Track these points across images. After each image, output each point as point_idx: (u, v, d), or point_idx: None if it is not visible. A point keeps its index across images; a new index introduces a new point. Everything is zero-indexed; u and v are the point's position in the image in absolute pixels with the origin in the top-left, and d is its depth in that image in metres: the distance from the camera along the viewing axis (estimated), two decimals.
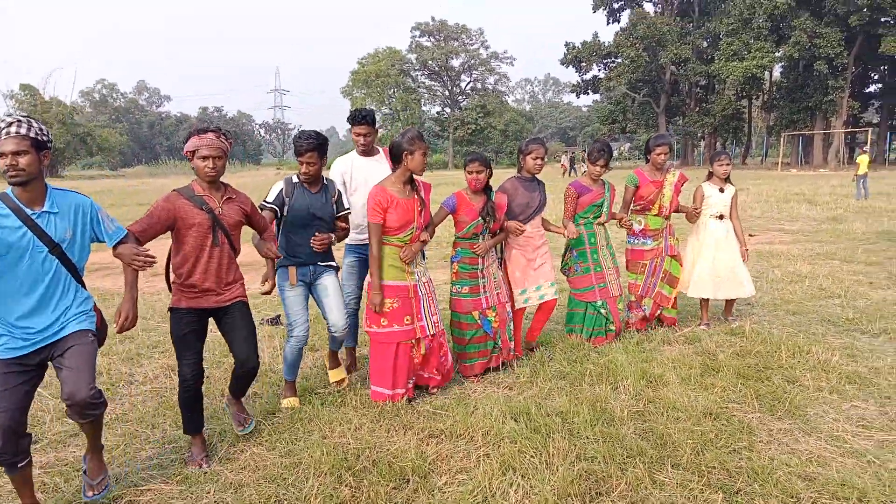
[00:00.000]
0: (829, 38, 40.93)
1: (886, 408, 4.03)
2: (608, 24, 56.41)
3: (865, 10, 39.69)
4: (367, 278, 4.32)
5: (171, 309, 3.50)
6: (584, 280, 5.33)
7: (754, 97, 54.08)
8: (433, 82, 73.35)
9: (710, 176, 5.81)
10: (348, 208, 4.43)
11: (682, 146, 56.81)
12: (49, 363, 2.96)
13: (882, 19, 41.27)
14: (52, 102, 60.36)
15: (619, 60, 54.11)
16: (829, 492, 3.06)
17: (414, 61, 70.31)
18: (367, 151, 4.77)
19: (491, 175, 4.57)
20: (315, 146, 4.09)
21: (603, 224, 5.44)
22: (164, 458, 3.62)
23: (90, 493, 3.05)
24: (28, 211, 2.80)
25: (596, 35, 56.80)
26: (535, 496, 3.01)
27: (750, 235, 12.00)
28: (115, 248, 3.11)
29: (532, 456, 3.39)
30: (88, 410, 2.84)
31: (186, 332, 3.49)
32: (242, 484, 3.29)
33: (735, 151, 61.01)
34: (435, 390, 4.44)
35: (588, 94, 61.92)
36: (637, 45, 50.40)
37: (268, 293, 3.97)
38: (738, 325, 5.73)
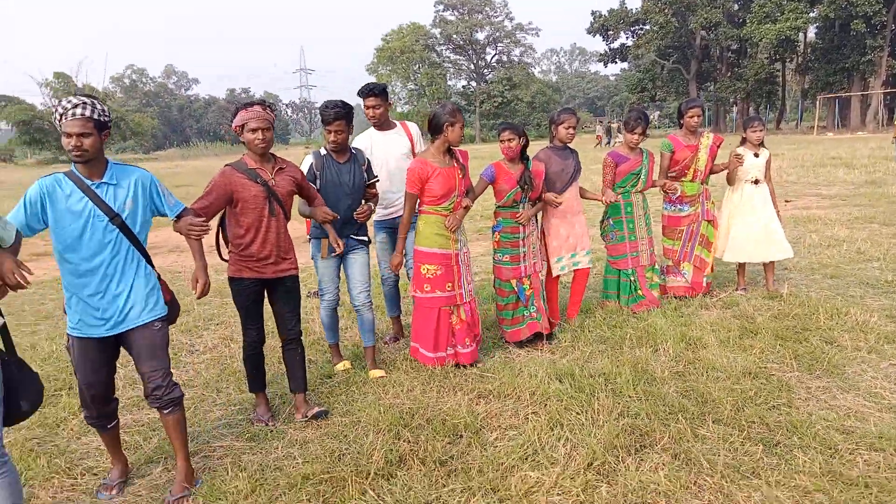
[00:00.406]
0: None
1: None
2: None
3: None
4: (412, 247, 4.52)
5: (232, 279, 3.71)
6: (619, 248, 5.46)
7: (788, 60, 52.57)
8: (458, 56, 72.71)
9: (744, 141, 5.81)
10: (377, 177, 4.53)
11: (713, 112, 55.68)
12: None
13: None
14: (86, 89, 61.51)
15: (648, 27, 53.01)
16: (866, 444, 3.18)
17: (438, 36, 69.73)
18: (382, 125, 4.84)
19: (527, 144, 4.70)
20: (343, 114, 4.19)
21: (641, 192, 5.50)
22: (232, 419, 3.88)
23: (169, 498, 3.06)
24: (88, 182, 2.93)
25: (623, 2, 55.64)
26: (583, 449, 3.19)
27: (786, 201, 11.90)
28: (175, 221, 3.24)
29: (578, 413, 3.57)
30: (165, 396, 3.03)
31: (249, 302, 3.73)
32: (307, 440, 3.53)
33: (769, 116, 59.60)
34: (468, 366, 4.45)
35: (616, 62, 60.96)
36: (666, 11, 49.26)
37: (337, 254, 4.20)
38: (775, 290, 5.80)
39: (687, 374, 4.08)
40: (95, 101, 2.90)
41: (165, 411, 3.07)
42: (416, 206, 4.39)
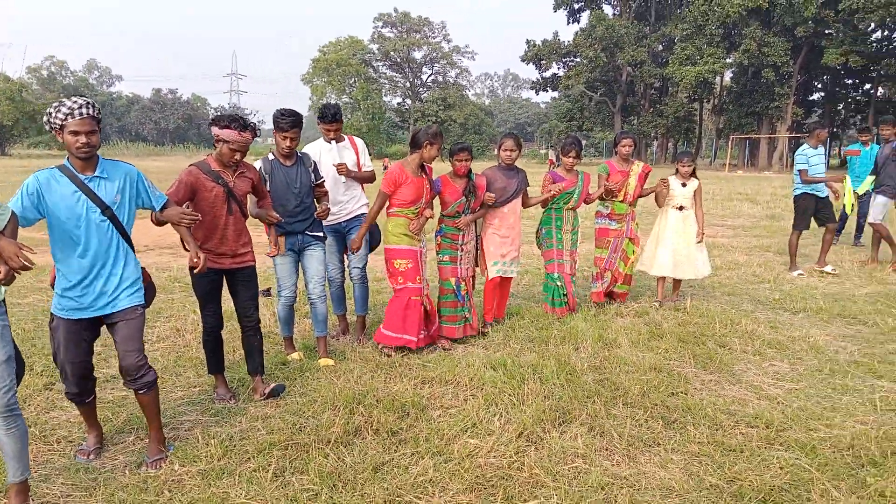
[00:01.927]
0: (777, 47, 43.04)
1: (797, 366, 4.89)
2: (568, 23, 57.86)
3: (810, 22, 41.81)
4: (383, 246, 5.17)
5: (192, 268, 3.83)
6: (549, 254, 6.10)
7: (705, 100, 56.20)
8: (395, 73, 73.67)
9: (677, 171, 6.62)
10: (323, 177, 4.91)
11: (636, 145, 58.60)
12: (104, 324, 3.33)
13: (826, 31, 43.58)
14: (0, 78, 58.41)
15: (578, 60, 55.50)
16: (745, 422, 3.86)
17: (376, 51, 70.50)
18: (335, 139, 5.27)
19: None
20: (298, 122, 4.58)
21: (573, 209, 6.09)
22: (194, 398, 4.20)
23: (143, 468, 3.31)
24: (81, 176, 3.13)
25: (556, 34, 58.10)
26: (514, 422, 3.72)
27: None
28: (161, 211, 3.51)
29: (510, 396, 4.10)
30: (139, 378, 3.27)
31: (208, 288, 4.08)
32: (268, 416, 3.90)
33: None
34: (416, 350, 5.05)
35: (547, 91, 63.22)
36: (595, 46, 51.82)
37: (275, 255, 4.61)
38: (680, 303, 6.57)
39: (602, 368, 4.70)
40: (93, 101, 3.16)
41: (140, 392, 3.32)
42: (385, 206, 4.97)
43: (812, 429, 3.77)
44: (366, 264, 5.46)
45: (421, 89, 73.67)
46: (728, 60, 47.79)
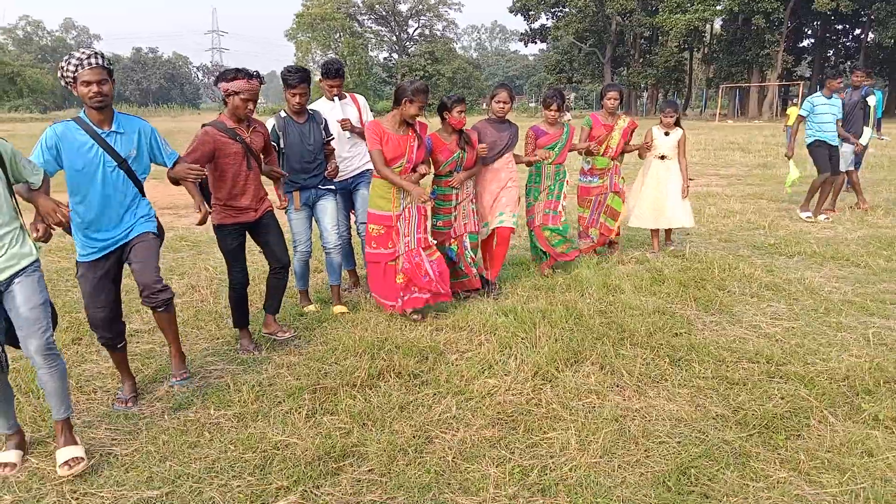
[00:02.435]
0: None
1: (793, 306, 5.10)
2: None
3: None
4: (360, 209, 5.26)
5: (217, 226, 4.16)
6: (530, 210, 6.00)
7: (695, 50, 55.68)
8: (380, 27, 72.30)
9: (661, 121, 6.62)
10: (332, 136, 4.99)
11: (626, 96, 58.21)
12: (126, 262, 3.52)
13: None
14: None
15: (567, 10, 54.65)
16: (746, 357, 4.07)
17: (360, 5, 68.96)
18: (337, 95, 5.26)
19: None
20: (306, 78, 4.65)
21: (555, 164, 5.84)
22: (219, 349, 4.36)
23: (173, 380, 3.75)
24: (98, 130, 3.26)
25: None
26: (529, 363, 3.91)
27: (690, 179, 13.15)
28: (172, 167, 3.64)
29: (522, 339, 4.29)
30: (156, 294, 3.45)
31: (234, 245, 4.22)
32: (293, 364, 4.07)
33: (676, 102, 62.93)
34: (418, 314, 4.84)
35: (536, 42, 62.44)
36: None
37: (285, 208, 4.72)
38: (678, 249, 6.75)
39: (608, 312, 4.89)
40: (102, 52, 3.22)
41: (159, 309, 3.54)
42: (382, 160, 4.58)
43: (809, 363, 3.98)
44: (347, 229, 5.47)
45: (408, 43, 72.46)
46: (718, 8, 47.16)
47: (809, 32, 53.86)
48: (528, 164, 5.85)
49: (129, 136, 3.37)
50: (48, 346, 2.89)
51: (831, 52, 52.71)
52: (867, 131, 9.00)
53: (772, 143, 21.38)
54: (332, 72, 5.13)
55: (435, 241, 5.05)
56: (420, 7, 70.69)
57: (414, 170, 4.71)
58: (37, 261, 2.94)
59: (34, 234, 2.94)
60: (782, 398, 3.52)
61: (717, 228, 8.05)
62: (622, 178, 6.58)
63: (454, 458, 3.00)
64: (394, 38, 72.34)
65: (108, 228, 3.39)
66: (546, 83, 64.59)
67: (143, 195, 3.54)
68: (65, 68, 3.13)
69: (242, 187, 4.11)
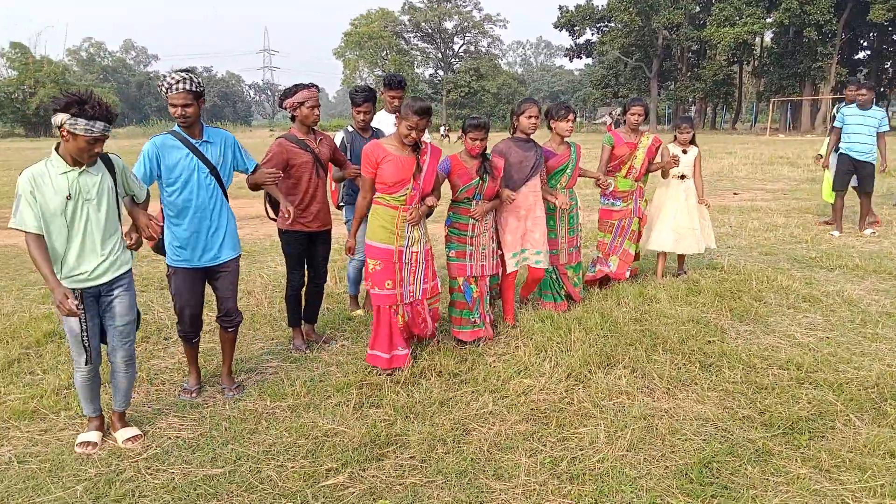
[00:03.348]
0: (819, 5, 41.64)
1: (830, 317, 5.15)
2: None
3: None
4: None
5: (284, 231, 4.46)
6: (551, 245, 5.21)
7: (745, 63, 54.81)
8: (426, 44, 73.46)
9: (676, 138, 6.22)
10: None
11: (673, 110, 57.62)
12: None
13: None
14: (43, 61, 60.13)
15: (613, 25, 54.56)
16: (777, 365, 4.18)
17: (407, 23, 70.30)
18: (394, 110, 5.40)
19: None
20: (371, 97, 5.01)
21: (570, 189, 5.28)
22: (273, 349, 4.69)
23: (229, 393, 3.93)
24: (192, 140, 3.63)
25: None
26: (563, 365, 4.11)
27: (734, 193, 13.12)
28: (252, 173, 3.97)
29: (558, 343, 4.48)
30: (233, 319, 3.93)
31: (299, 250, 4.55)
32: (341, 362, 4.37)
33: (725, 117, 61.96)
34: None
35: (581, 58, 62.46)
36: (630, 10, 50.83)
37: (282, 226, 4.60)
38: (685, 276, 6.81)
39: (643, 320, 5.04)
40: (192, 76, 3.56)
41: (229, 330, 3.97)
42: (373, 192, 4.13)
43: (840, 371, 4.07)
44: None
45: (453, 60, 73.34)
46: (768, 20, 46.43)
47: (865, 43, 52.43)
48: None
49: (216, 146, 3.74)
50: (131, 356, 3.40)
51: (889, 63, 51.17)
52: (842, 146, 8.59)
53: None
54: (395, 83, 5.34)
55: (453, 276, 4.62)
56: (465, 24, 71.57)
57: (422, 200, 4.17)
58: (131, 269, 3.35)
59: (128, 242, 3.32)
60: (809, 402, 3.63)
61: (759, 242, 8.08)
62: (646, 201, 6.16)
63: (490, 448, 3.23)
64: (439, 55, 73.36)
65: (200, 247, 3.70)
66: (592, 98, 64.44)
67: (227, 200, 3.88)
68: (161, 87, 3.55)
69: (313, 193, 4.43)
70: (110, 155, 3.23)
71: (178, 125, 3.62)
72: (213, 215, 3.72)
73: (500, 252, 4.93)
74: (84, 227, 3.08)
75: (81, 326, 3.16)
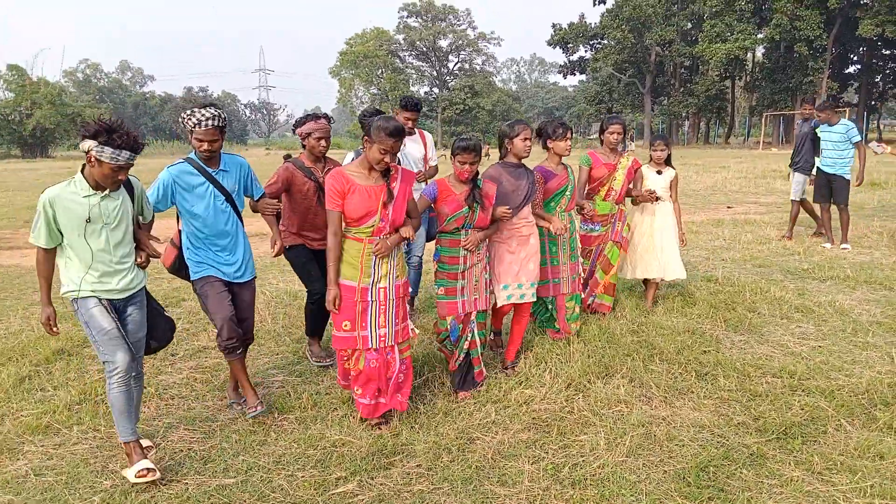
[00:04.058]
0: (809, 21, 42.22)
1: (822, 327, 5.28)
2: (594, 5, 57.31)
3: None
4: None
5: (288, 248, 4.53)
6: (542, 272, 4.73)
7: (737, 78, 55.39)
8: (421, 63, 74.06)
9: (651, 159, 5.76)
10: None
11: (666, 126, 58.13)
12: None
13: (861, 2, 42.62)
14: (41, 83, 60.44)
15: (606, 42, 55.18)
16: (770, 373, 4.30)
17: (402, 42, 70.94)
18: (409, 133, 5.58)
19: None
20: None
21: (569, 212, 4.93)
22: (279, 363, 4.79)
23: (250, 411, 3.77)
24: (209, 170, 3.73)
25: (582, 16, 57.80)
26: (563, 376, 4.22)
27: (728, 207, 13.29)
28: (258, 200, 4.06)
29: (557, 355, 4.60)
30: (248, 337, 3.97)
31: (304, 261, 4.64)
32: None
33: (719, 131, 62.53)
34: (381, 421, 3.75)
35: (575, 74, 63.04)
36: (623, 27, 51.45)
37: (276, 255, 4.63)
38: (711, 273, 6.96)
39: (640, 331, 5.16)
40: (220, 112, 3.67)
41: (239, 352, 3.83)
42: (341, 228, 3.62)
43: (832, 378, 4.19)
44: (423, 252, 5.66)
45: (448, 77, 73.92)
46: (759, 36, 47.04)
47: (855, 58, 53.11)
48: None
49: (232, 174, 3.84)
50: (139, 372, 3.39)
51: (879, 77, 51.80)
52: (817, 161, 8.91)
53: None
54: (412, 105, 5.46)
55: (441, 315, 4.13)
56: (460, 42, 72.26)
57: (395, 230, 3.65)
58: (144, 286, 3.48)
59: (138, 260, 3.41)
60: (802, 408, 3.75)
61: (752, 255, 8.22)
62: (627, 225, 5.69)
63: (493, 456, 3.34)
64: (434, 73, 73.96)
65: (227, 251, 3.82)
66: (586, 114, 64.98)
67: (243, 224, 3.97)
68: (186, 120, 3.61)
69: (313, 221, 4.55)
70: (130, 177, 3.32)
71: (200, 157, 3.72)
72: (231, 240, 3.84)
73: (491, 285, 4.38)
74: (102, 247, 3.18)
75: (113, 322, 3.22)
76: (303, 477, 3.18)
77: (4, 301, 6.77)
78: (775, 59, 48.71)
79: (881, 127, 48.58)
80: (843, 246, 8.55)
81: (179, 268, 3.89)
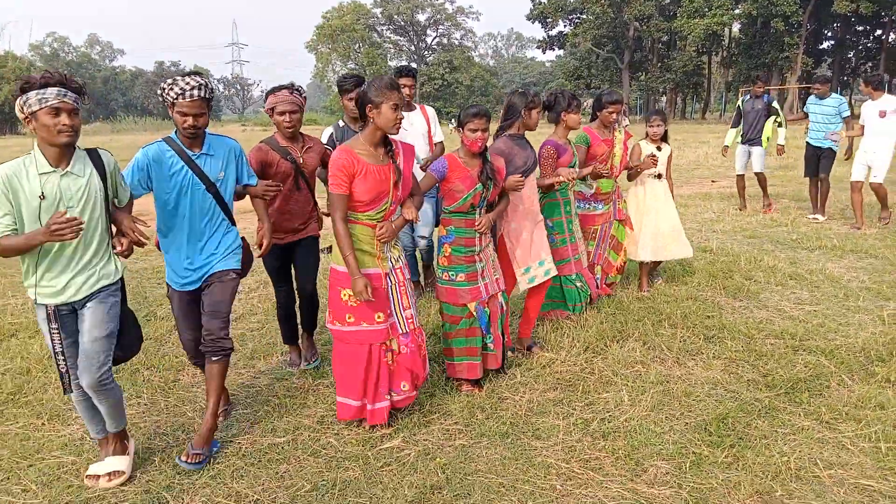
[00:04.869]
0: None
1: (815, 292, 5.58)
2: None
3: None
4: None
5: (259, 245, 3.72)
6: (562, 252, 4.69)
7: (714, 53, 55.83)
8: (399, 37, 73.39)
9: (647, 134, 5.65)
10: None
11: (644, 102, 58.54)
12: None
13: None
14: (8, 57, 58.86)
15: (585, 16, 55.12)
16: (773, 335, 4.58)
17: (379, 16, 70.15)
18: (405, 105, 4.88)
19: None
20: (360, 82, 4.37)
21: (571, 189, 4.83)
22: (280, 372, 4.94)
23: (182, 458, 3.10)
24: (189, 153, 3.15)
25: None
26: (580, 340, 4.46)
27: (712, 181, 13.63)
28: (245, 187, 3.49)
29: (572, 321, 4.83)
30: (218, 341, 3.21)
31: (277, 265, 4.11)
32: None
33: (695, 107, 63.19)
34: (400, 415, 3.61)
35: (553, 49, 62.95)
36: (602, 2, 51.40)
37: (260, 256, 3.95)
38: (706, 245, 7.24)
39: (646, 299, 5.40)
40: (206, 80, 3.09)
41: (213, 359, 3.21)
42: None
43: (830, 339, 4.49)
44: (432, 233, 5.36)
45: (426, 52, 73.38)
46: (736, 11, 47.41)
47: (829, 34, 53.83)
48: (549, 188, 4.58)
49: (217, 158, 3.26)
50: (101, 382, 2.82)
51: (851, 53, 52.63)
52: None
53: (792, 144, 21.61)
54: (407, 70, 5.05)
55: (461, 302, 3.78)
56: (438, 17, 71.67)
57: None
58: (117, 281, 2.92)
59: (118, 248, 2.91)
60: (805, 366, 4.03)
61: (742, 226, 8.53)
62: (625, 201, 5.59)
63: (525, 413, 3.56)
64: (412, 48, 73.36)
65: (193, 255, 3.26)
66: (564, 89, 65.14)
67: (233, 222, 3.40)
68: (166, 91, 3.03)
69: (289, 207, 3.97)
70: (100, 150, 2.85)
71: (185, 136, 3.15)
72: (208, 236, 3.28)
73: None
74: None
75: (55, 346, 2.77)
76: (349, 435, 3.38)
77: None
78: (752, 35, 49.17)
79: (853, 102, 49.49)
80: (815, 216, 8.83)
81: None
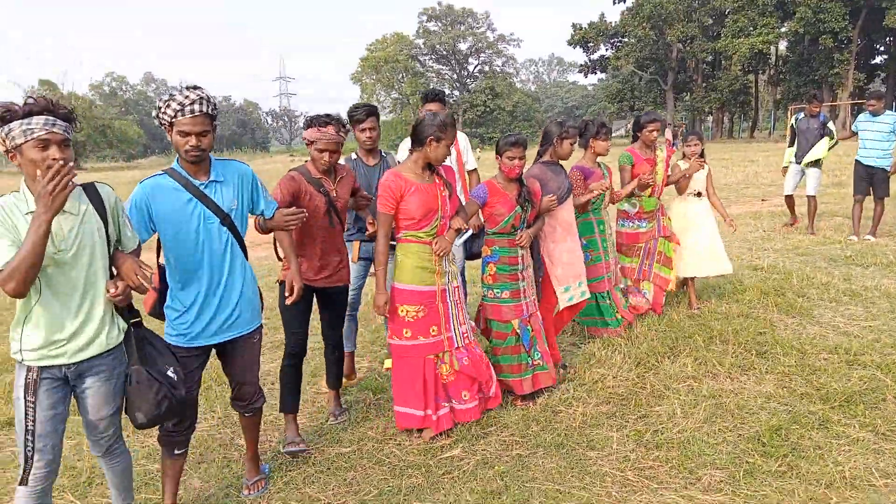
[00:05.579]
0: (834, 13, 41.90)
1: (871, 309, 5.53)
2: (614, 3, 57.25)
3: None
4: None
5: (282, 283, 3.43)
6: (597, 269, 4.95)
7: (761, 72, 55.04)
8: (441, 66, 74.67)
9: (684, 155, 5.77)
10: None
11: (690, 122, 57.92)
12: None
13: None
14: (71, 97, 62.07)
15: (627, 40, 55.16)
16: (826, 350, 4.58)
17: (422, 46, 71.60)
18: None
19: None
20: (373, 111, 4.18)
21: (604, 210, 5.14)
22: (322, 424, 5.16)
23: (245, 492, 3.15)
24: (196, 182, 2.71)
25: (602, 15, 57.80)
26: (631, 356, 4.55)
27: (763, 200, 13.47)
28: (270, 219, 3.08)
29: (625, 339, 4.92)
30: (253, 401, 3.09)
31: (299, 308, 3.54)
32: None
33: (743, 125, 62.17)
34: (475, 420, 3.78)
35: (596, 73, 63.06)
36: (644, 25, 51.40)
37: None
38: (757, 263, 7.22)
39: (696, 316, 5.45)
40: (208, 94, 2.67)
41: (247, 415, 3.14)
42: (393, 232, 3.58)
43: (886, 354, 4.47)
44: (463, 266, 4.89)
45: (468, 80, 74.38)
46: (783, 29, 46.78)
47: (882, 49, 52.48)
48: (584, 207, 4.88)
49: (230, 186, 2.83)
50: (110, 449, 2.59)
51: None
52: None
53: (845, 161, 21.18)
54: (434, 95, 4.72)
55: (506, 319, 4.04)
56: (480, 45, 72.72)
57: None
58: (120, 345, 2.50)
59: (111, 291, 2.35)
60: (860, 380, 4.03)
61: (794, 244, 8.45)
62: (669, 218, 5.72)
63: (579, 425, 3.68)
64: (454, 76, 74.47)
65: (206, 318, 2.82)
66: (607, 112, 64.99)
67: (247, 257, 2.99)
68: (162, 110, 2.61)
69: (320, 244, 3.59)
70: (97, 184, 2.45)
71: (187, 160, 2.70)
72: (226, 280, 2.84)
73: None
74: (52, 287, 2.28)
75: (27, 424, 2.27)
76: (411, 445, 3.55)
77: None
78: (800, 52, 48.35)
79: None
80: (867, 237, 8.56)
81: (162, 311, 2.91)
